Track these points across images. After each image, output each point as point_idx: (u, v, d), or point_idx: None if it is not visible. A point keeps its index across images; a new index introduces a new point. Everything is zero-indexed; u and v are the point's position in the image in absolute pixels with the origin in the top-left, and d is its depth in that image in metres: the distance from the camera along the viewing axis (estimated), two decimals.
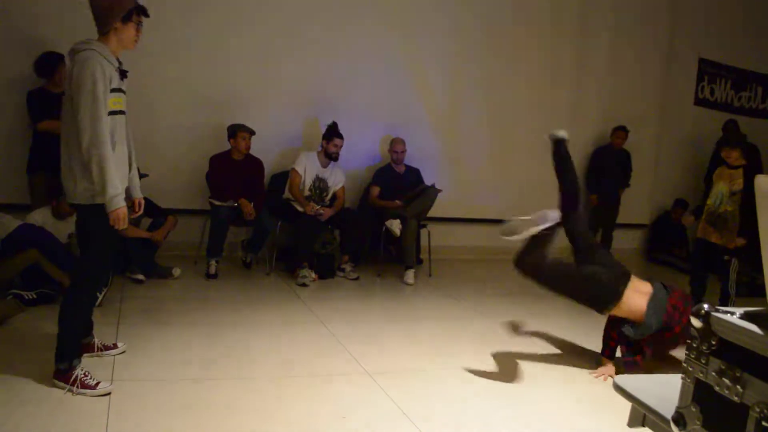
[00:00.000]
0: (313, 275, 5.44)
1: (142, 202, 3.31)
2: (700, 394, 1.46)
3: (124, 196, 2.89)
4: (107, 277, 4.24)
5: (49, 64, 4.87)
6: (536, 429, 2.92)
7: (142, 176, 3.75)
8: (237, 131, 5.50)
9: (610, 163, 7.47)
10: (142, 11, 2.96)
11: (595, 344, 3.94)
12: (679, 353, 3.45)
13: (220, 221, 5.37)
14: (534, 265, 3.53)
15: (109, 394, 2.87)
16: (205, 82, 5.88)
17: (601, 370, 3.67)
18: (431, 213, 6.09)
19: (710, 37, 8.25)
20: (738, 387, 1.35)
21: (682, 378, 1.51)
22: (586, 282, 3.45)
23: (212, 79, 5.90)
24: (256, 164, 5.71)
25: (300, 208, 5.63)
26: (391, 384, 3.29)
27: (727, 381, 1.37)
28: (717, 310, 1.44)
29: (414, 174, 6.33)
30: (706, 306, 1.44)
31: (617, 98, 7.72)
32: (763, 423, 1.27)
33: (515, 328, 4.43)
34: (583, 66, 7.55)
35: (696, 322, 1.45)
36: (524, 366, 3.72)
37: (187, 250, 5.72)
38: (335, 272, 5.74)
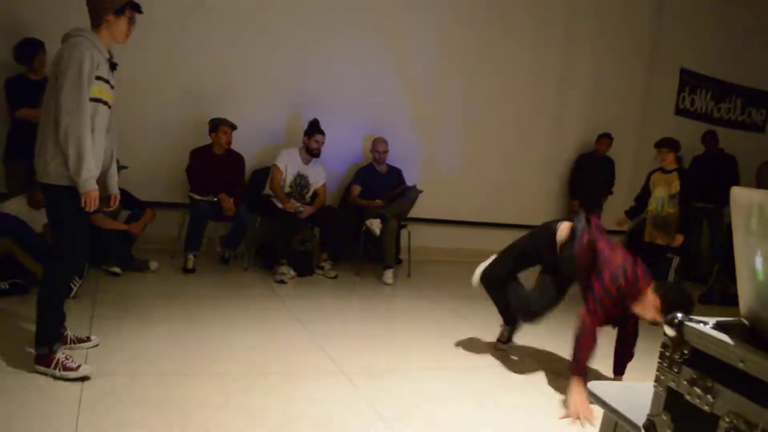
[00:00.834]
0: (292, 272, 5.41)
1: (118, 197, 3.33)
2: (671, 402, 1.47)
3: (95, 179, 2.90)
4: (83, 267, 4.19)
5: (28, 51, 4.80)
6: (512, 431, 2.94)
7: (121, 168, 3.72)
8: (218, 125, 5.46)
9: (594, 170, 7.54)
10: (135, 7, 3.00)
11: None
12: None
13: (199, 215, 5.33)
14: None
15: (88, 378, 2.89)
16: (188, 76, 5.83)
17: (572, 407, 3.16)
18: (411, 213, 6.10)
19: (692, 47, 8.34)
20: (709, 397, 1.36)
21: (654, 386, 1.52)
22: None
23: (195, 72, 5.85)
24: (237, 159, 5.67)
25: (280, 205, 5.60)
26: (366, 384, 3.28)
27: (698, 390, 1.38)
28: (690, 320, 1.45)
29: (395, 174, 6.33)
30: (679, 315, 1.45)
31: (599, 105, 7.79)
32: None
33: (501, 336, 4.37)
34: (567, 72, 7.60)
35: (669, 331, 1.46)
36: (501, 368, 3.74)
37: (165, 244, 5.66)
38: (314, 270, 5.73)
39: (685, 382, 1.42)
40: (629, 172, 8.03)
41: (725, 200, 5.63)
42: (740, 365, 1.31)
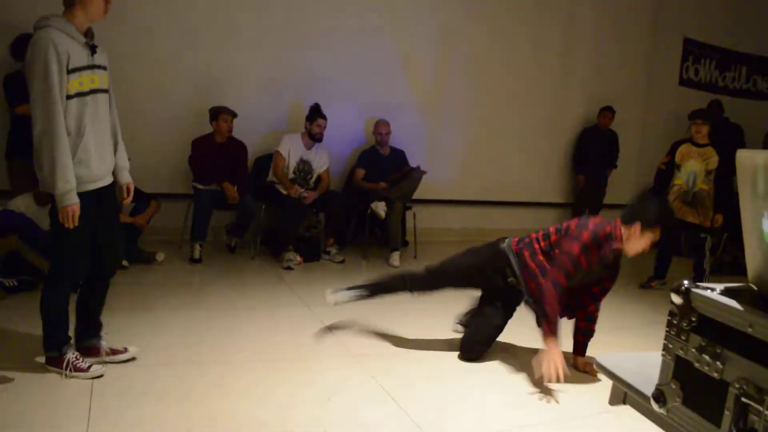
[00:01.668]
0: (298, 258, 5.41)
1: (131, 187, 3.08)
2: (680, 370, 1.46)
3: (75, 191, 2.66)
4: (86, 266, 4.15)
5: (25, 46, 4.77)
6: (522, 408, 2.94)
7: None
8: (218, 113, 5.44)
9: (597, 144, 7.48)
10: None
11: None
12: None
13: (203, 205, 5.32)
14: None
15: (101, 376, 2.86)
16: (188, 65, 5.80)
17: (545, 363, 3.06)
18: (416, 195, 6.08)
19: (695, 16, 8.23)
20: (718, 363, 1.35)
21: (662, 355, 1.51)
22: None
23: (195, 61, 5.82)
24: (240, 147, 5.65)
25: (284, 191, 5.59)
26: (376, 366, 3.29)
27: (707, 357, 1.37)
28: (697, 287, 1.43)
29: (399, 156, 6.30)
30: (686, 282, 1.44)
31: (602, 78, 7.72)
32: (743, 399, 1.27)
33: None
34: (568, 46, 7.53)
35: (676, 299, 1.44)
36: (509, 347, 3.73)
37: (171, 235, 5.66)
38: (320, 255, 5.72)
39: (693, 350, 1.41)
40: (635, 144, 7.98)
41: (733, 170, 5.42)
42: (749, 330, 1.30)
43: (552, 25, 7.42)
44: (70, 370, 2.83)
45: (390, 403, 2.86)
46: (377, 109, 6.48)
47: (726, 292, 1.43)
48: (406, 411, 2.80)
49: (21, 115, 4.70)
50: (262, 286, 4.73)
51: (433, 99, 6.94)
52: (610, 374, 1.72)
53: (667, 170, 5.43)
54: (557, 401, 3.03)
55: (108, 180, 2.92)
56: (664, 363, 1.50)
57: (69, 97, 2.65)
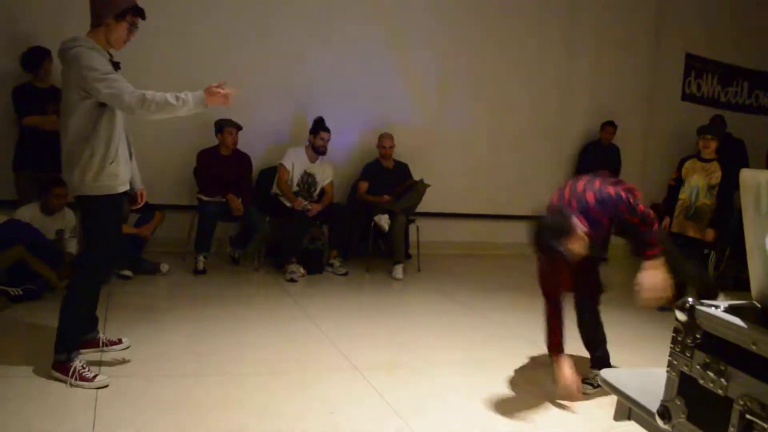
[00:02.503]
0: (302, 270, 5.43)
1: (144, 193, 3.36)
2: (684, 387, 1.47)
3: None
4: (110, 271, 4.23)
5: (35, 59, 4.82)
6: (528, 423, 2.94)
7: None
8: (224, 126, 5.48)
9: (600, 159, 7.48)
10: (139, 13, 2.92)
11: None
12: None
13: (208, 217, 5.35)
14: None
15: (106, 386, 2.87)
16: (192, 77, 5.81)
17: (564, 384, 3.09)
18: (420, 208, 6.09)
19: (697, 32, 8.27)
20: (722, 380, 1.36)
21: (667, 371, 1.52)
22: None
23: (199, 73, 5.84)
24: (244, 159, 5.68)
25: (288, 204, 5.61)
26: (379, 379, 3.28)
27: (711, 374, 1.38)
28: (701, 304, 1.45)
29: (402, 169, 6.32)
30: (690, 299, 1.45)
31: (605, 93, 7.74)
32: (747, 416, 1.28)
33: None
34: (571, 60, 7.57)
35: (680, 316, 1.46)
36: (513, 361, 3.73)
37: (175, 246, 5.68)
38: (324, 267, 5.73)
39: (698, 367, 1.42)
40: (637, 159, 8.00)
41: (735, 185, 5.40)
42: (753, 348, 1.31)
43: (554, 40, 7.46)
44: (76, 378, 2.85)
45: (395, 420, 2.86)
46: (381, 122, 6.51)
47: (730, 310, 1.44)
48: (411, 427, 2.79)
49: (29, 126, 4.73)
50: (265, 298, 4.74)
51: (436, 112, 6.97)
52: (615, 390, 1.73)
53: (677, 186, 5.45)
54: (562, 417, 3.03)
55: (128, 186, 3.11)
56: (669, 379, 1.51)
57: (102, 104, 2.82)
